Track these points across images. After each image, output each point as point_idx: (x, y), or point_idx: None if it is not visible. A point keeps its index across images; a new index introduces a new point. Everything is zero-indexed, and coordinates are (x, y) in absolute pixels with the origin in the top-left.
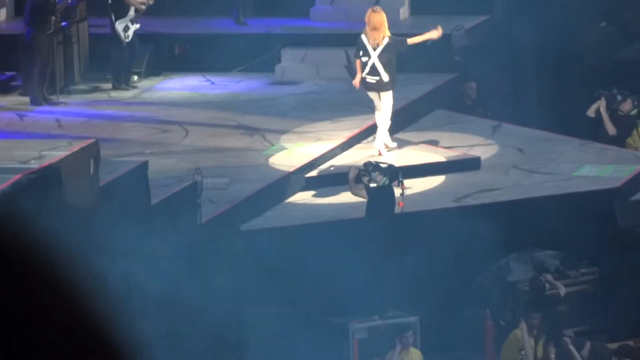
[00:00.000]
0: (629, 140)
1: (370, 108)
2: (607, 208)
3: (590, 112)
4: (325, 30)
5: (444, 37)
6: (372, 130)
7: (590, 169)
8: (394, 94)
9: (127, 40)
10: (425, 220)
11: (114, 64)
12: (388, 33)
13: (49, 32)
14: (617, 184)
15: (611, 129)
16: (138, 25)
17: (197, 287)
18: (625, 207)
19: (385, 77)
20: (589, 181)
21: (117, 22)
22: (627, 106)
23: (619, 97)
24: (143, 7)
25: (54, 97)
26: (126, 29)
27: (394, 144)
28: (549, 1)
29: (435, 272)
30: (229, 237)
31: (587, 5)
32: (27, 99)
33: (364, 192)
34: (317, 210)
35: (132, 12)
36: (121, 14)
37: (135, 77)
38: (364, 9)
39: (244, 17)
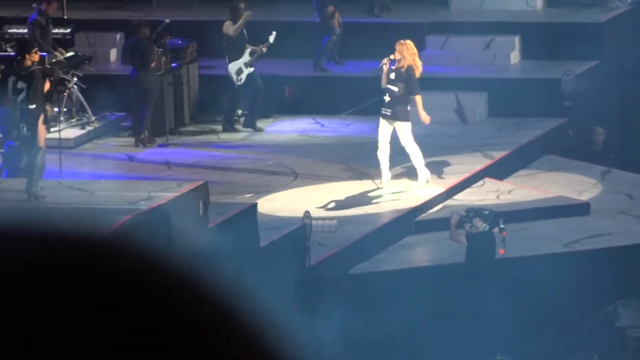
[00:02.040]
0: None
1: (480, 152)
2: None
3: None
4: (435, 75)
5: (555, 82)
6: (481, 173)
7: None
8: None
9: (239, 83)
10: (532, 264)
11: (226, 106)
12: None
13: (158, 73)
14: None
15: None
16: (252, 69)
17: (305, 330)
18: None
19: None
20: None
21: (230, 65)
22: None
23: None
24: (264, 49)
25: (163, 139)
26: (239, 72)
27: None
28: None
29: (541, 317)
30: (337, 280)
31: None
32: (136, 139)
33: (463, 238)
34: (425, 254)
35: (247, 56)
36: (235, 56)
37: (257, 123)
38: (475, 53)
39: (344, 59)
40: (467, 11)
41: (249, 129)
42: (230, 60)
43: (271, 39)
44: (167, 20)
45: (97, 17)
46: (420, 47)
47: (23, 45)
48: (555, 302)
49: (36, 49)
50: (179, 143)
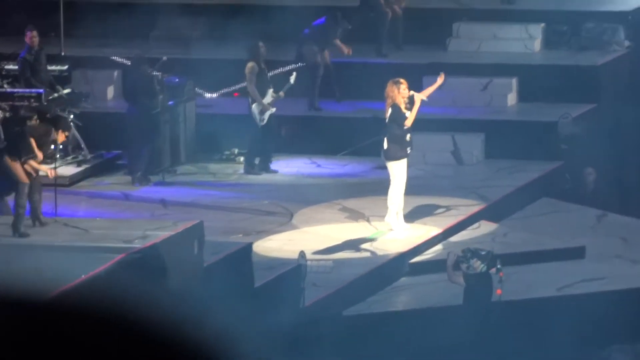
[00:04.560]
0: None
1: (476, 194)
2: None
3: None
4: (432, 116)
5: (552, 125)
6: (477, 216)
7: None
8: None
9: (262, 124)
10: (528, 308)
11: (249, 147)
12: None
13: (155, 111)
14: None
15: None
16: (274, 109)
17: None
18: None
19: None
20: None
21: (253, 105)
22: None
23: None
24: (282, 94)
25: (159, 177)
26: (263, 112)
27: (402, 228)
28: None
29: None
30: (331, 321)
31: None
32: (132, 177)
33: (461, 279)
34: (420, 296)
35: (269, 96)
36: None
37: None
38: (472, 95)
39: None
40: (465, 53)
41: (267, 172)
42: (254, 101)
43: (292, 79)
44: (165, 58)
45: (95, 54)
46: (418, 87)
47: (56, 120)
48: (549, 346)
49: (65, 131)
50: (174, 182)
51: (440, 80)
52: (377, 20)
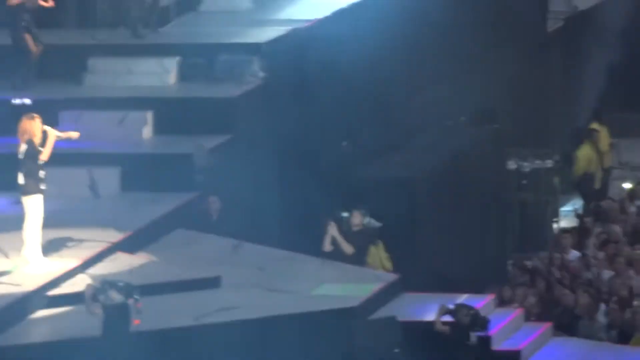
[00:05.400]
0: (369, 259)
1: (113, 227)
2: (345, 327)
3: (327, 247)
4: (68, 150)
5: (186, 156)
6: (114, 248)
7: (330, 287)
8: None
9: None
10: (166, 337)
11: None
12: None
13: None
14: (356, 302)
15: (348, 249)
16: None
17: None
18: (363, 325)
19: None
20: (328, 300)
21: None
22: (356, 219)
23: (345, 214)
24: None
25: None
26: None
27: (39, 261)
28: (291, 120)
29: None
30: None
31: (329, 124)
32: None
33: (99, 310)
34: (59, 328)
35: None
36: None
37: None
38: (108, 129)
39: None
40: (101, 87)
41: None
42: None
43: None
44: None
45: None
46: (54, 123)
47: None
48: None
49: None
50: None
51: (74, 135)
52: (19, 56)
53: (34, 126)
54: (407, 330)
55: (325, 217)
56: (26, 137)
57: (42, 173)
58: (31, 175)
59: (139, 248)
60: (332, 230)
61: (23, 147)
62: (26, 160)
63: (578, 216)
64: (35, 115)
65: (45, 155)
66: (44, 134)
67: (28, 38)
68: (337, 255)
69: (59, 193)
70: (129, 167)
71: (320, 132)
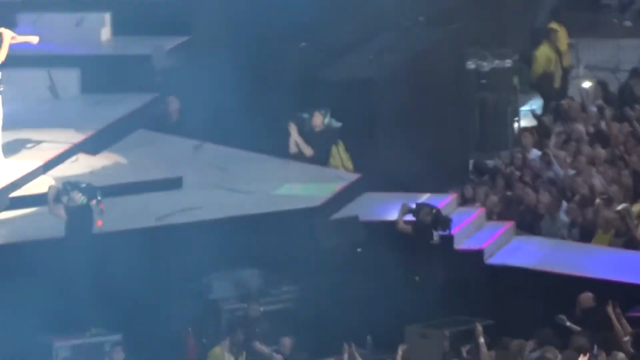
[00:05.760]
0: (330, 160)
1: (73, 128)
2: (307, 227)
3: (292, 148)
4: (26, 52)
5: (145, 57)
6: (75, 149)
7: (291, 187)
8: None
9: None
10: (129, 238)
11: None
12: None
13: None
14: (318, 202)
15: (308, 151)
16: None
17: None
18: (325, 225)
19: None
20: (290, 200)
21: None
22: (317, 120)
23: (305, 115)
24: None
25: None
26: None
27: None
28: (250, 21)
29: (137, 290)
30: None
31: (289, 26)
32: None
33: (62, 212)
34: (21, 229)
35: None
36: None
37: None
38: (67, 30)
39: None
40: None
41: None
42: None
43: None
44: None
45: None
46: (12, 25)
47: None
48: (150, 276)
49: None
50: None
51: (33, 40)
52: None
53: None
54: (370, 230)
55: (286, 119)
56: None
57: None
58: None
59: (99, 149)
60: (293, 131)
61: None
62: None
63: (535, 116)
64: None
65: (1, 55)
66: (0, 36)
67: None
68: (301, 156)
69: (18, 95)
70: (89, 69)
71: (279, 33)
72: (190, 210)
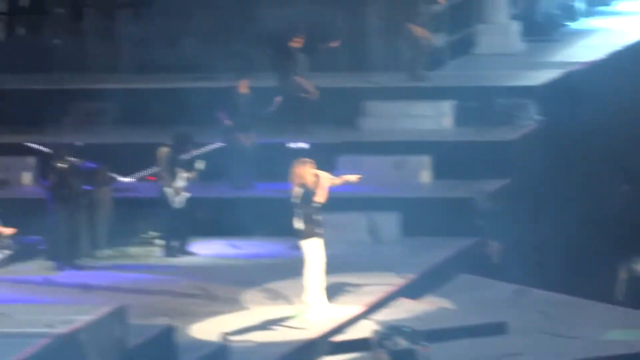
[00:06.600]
0: None
1: (394, 272)
2: None
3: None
4: (347, 195)
5: (467, 201)
6: (396, 293)
7: (619, 333)
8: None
9: (175, 206)
10: None
11: (165, 230)
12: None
13: (72, 196)
14: None
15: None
16: (188, 194)
17: None
18: None
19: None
20: (622, 344)
21: (166, 188)
22: None
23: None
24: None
25: (79, 262)
26: (175, 194)
27: (322, 307)
28: (567, 165)
29: None
30: None
31: (607, 168)
32: (52, 263)
33: (385, 357)
34: None
35: (180, 180)
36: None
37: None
38: (386, 173)
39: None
40: (379, 131)
41: (185, 254)
42: (165, 185)
43: (200, 166)
44: (79, 143)
45: (10, 140)
46: (332, 167)
47: None
48: None
49: None
50: (95, 266)
51: (353, 178)
52: (300, 104)
53: (305, 171)
54: None
55: (618, 263)
56: (299, 181)
57: (317, 217)
58: (307, 219)
59: (421, 293)
60: (624, 277)
61: (297, 191)
62: (301, 204)
63: None
64: (306, 159)
65: (319, 197)
66: (317, 179)
67: (304, 81)
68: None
69: (339, 238)
70: (409, 212)
71: (598, 176)
72: (515, 356)
